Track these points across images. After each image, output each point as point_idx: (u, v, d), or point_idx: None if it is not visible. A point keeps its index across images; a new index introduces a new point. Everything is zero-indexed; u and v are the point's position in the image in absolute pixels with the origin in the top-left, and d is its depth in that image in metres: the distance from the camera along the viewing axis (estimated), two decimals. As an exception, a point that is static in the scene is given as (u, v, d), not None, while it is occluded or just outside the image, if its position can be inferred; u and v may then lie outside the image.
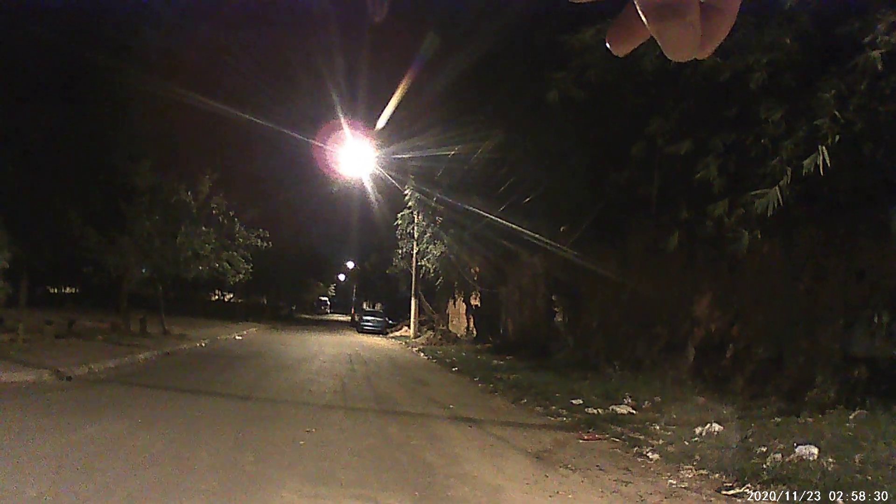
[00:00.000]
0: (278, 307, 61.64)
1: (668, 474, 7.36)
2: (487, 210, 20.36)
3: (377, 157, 29.91)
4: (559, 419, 11.14)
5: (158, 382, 13.17)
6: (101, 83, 21.84)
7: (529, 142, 16.41)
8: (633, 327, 15.91)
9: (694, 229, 12.31)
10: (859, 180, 9.51)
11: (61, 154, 21.46)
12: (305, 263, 55.77)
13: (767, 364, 11.43)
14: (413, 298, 37.25)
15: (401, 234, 35.97)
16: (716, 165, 10.53)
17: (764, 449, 7.61)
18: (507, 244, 21.35)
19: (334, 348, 27.16)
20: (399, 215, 34.21)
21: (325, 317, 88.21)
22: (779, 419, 9.17)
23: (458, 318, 35.71)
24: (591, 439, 9.37)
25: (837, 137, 8.66)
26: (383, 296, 59.01)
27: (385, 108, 23.23)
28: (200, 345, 22.03)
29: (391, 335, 41.90)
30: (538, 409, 12.21)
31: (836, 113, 8.71)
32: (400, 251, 37.71)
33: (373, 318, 47.32)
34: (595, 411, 11.35)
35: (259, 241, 27.13)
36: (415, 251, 34.21)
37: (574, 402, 12.20)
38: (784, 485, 6.40)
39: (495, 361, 20.48)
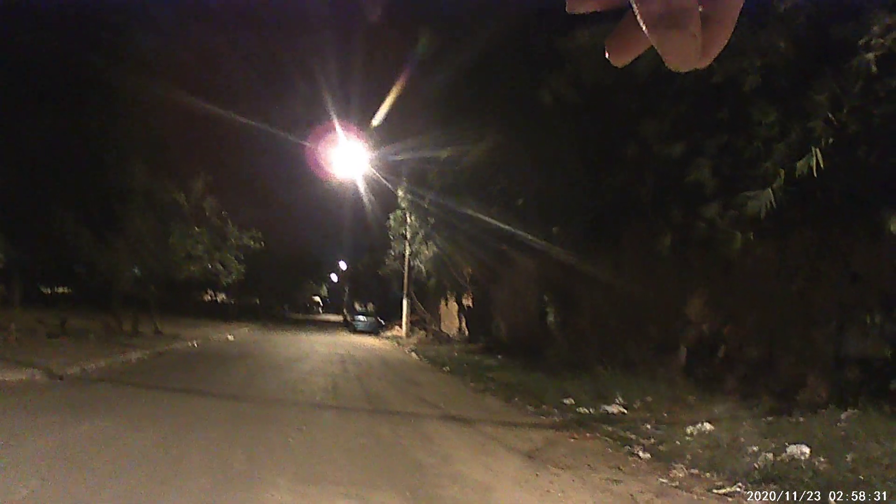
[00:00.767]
0: (271, 307, 61.58)
1: (659, 473, 7.37)
2: (480, 211, 20.39)
3: (370, 158, 29.94)
4: (550, 418, 11.16)
5: (150, 382, 13.12)
6: (95, 84, 21.74)
7: (523, 143, 16.43)
8: (626, 327, 15.93)
9: (687, 231, 12.34)
10: (853, 182, 9.55)
11: (55, 155, 21.36)
12: (298, 264, 55.83)
13: (759, 364, 11.48)
14: (405, 299, 37.22)
15: (393, 235, 36.00)
16: (709, 167, 10.58)
17: (755, 448, 7.64)
18: (500, 245, 21.40)
19: (326, 348, 27.12)
20: (391, 216, 34.24)
21: (317, 317, 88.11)
22: (770, 419, 9.22)
23: (451, 319, 35.69)
24: (582, 438, 9.39)
25: (831, 139, 8.71)
26: (375, 296, 59.06)
27: (379, 109, 23.30)
28: (192, 345, 21.96)
29: (383, 335, 41.84)
30: (529, 408, 12.22)
31: (830, 115, 8.77)
32: (392, 252, 37.73)
33: (365, 318, 47.31)
34: (586, 411, 11.38)
35: (251, 241, 27.15)
36: (407, 252, 34.20)
37: (565, 401, 12.24)
38: (776, 484, 6.43)
39: (487, 361, 20.49)
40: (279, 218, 44.66)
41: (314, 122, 29.67)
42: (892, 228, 8.87)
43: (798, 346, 10.78)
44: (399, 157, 25.84)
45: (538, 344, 20.82)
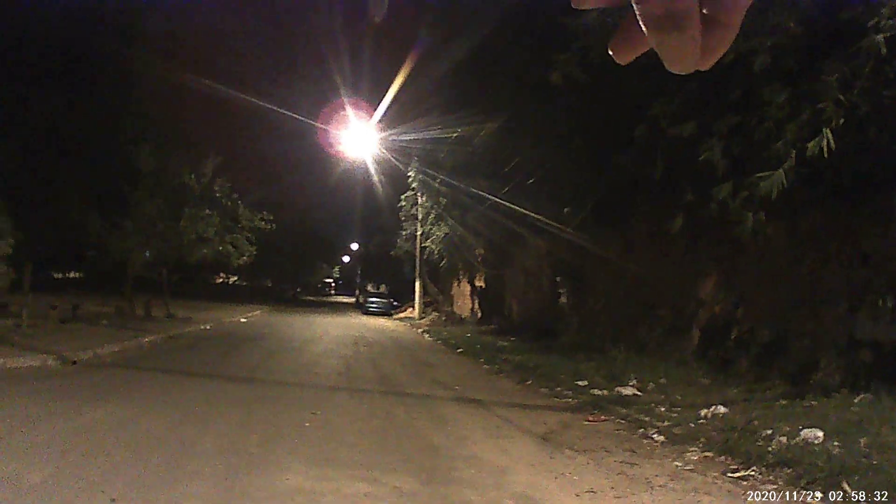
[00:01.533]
0: (283, 289, 61.83)
1: (674, 456, 7.36)
2: (491, 192, 20.32)
3: (381, 138, 29.88)
4: (564, 401, 11.15)
5: (163, 366, 13.21)
6: (105, 67, 21.76)
7: (532, 124, 16.32)
8: (638, 309, 15.88)
9: (698, 212, 12.22)
10: (864, 164, 9.43)
11: (64, 139, 21.41)
12: (309, 245, 56.00)
13: (772, 346, 11.41)
14: (417, 280, 37.25)
15: (405, 216, 35.97)
16: (720, 148, 10.46)
17: (769, 432, 7.59)
18: (511, 226, 21.31)
19: (339, 330, 27.24)
20: (403, 197, 34.20)
21: (329, 299, 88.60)
22: (784, 402, 9.16)
23: (463, 300, 35.72)
24: (597, 421, 9.38)
25: (842, 121, 8.59)
26: (388, 277, 59.22)
27: (388, 90, 23.20)
28: (205, 328, 22.10)
29: (396, 317, 41.99)
30: (543, 390, 12.22)
31: (840, 96, 8.64)
32: (404, 233, 37.71)
33: (377, 299, 47.45)
34: (600, 393, 11.35)
35: (263, 223, 27.20)
36: (419, 233, 34.16)
37: (579, 383, 12.21)
38: (789, 468, 6.39)
39: (500, 343, 20.47)
40: (290, 199, 44.81)
41: (325, 104, 29.58)
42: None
43: (810, 327, 10.70)
44: (409, 138, 25.75)
45: (550, 325, 20.81)
